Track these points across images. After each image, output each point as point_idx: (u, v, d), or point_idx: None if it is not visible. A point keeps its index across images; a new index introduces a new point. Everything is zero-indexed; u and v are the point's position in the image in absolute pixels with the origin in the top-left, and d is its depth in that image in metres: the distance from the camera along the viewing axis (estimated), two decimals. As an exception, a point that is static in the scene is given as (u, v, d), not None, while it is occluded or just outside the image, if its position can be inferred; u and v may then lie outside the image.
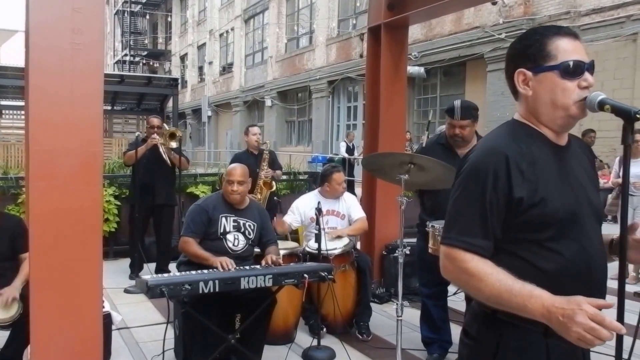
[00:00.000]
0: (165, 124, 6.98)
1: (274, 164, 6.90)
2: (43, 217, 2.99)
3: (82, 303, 3.09)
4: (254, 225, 4.30)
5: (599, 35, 12.74)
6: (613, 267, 1.59)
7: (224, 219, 4.21)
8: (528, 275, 1.61)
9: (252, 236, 4.28)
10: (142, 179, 6.62)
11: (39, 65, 2.98)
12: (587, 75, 1.66)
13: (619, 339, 1.52)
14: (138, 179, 6.66)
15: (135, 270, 6.65)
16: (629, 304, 1.62)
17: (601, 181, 11.87)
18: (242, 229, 4.25)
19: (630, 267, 7.11)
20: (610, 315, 1.57)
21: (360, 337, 4.81)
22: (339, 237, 4.94)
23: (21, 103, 20.35)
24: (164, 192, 6.64)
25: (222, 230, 4.18)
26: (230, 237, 4.19)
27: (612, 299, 1.57)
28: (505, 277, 1.56)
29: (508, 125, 1.78)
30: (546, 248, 1.62)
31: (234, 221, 4.24)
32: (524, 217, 1.61)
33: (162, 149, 6.52)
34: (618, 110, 1.57)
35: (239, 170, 4.27)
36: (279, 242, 5.21)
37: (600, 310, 1.44)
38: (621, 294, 1.55)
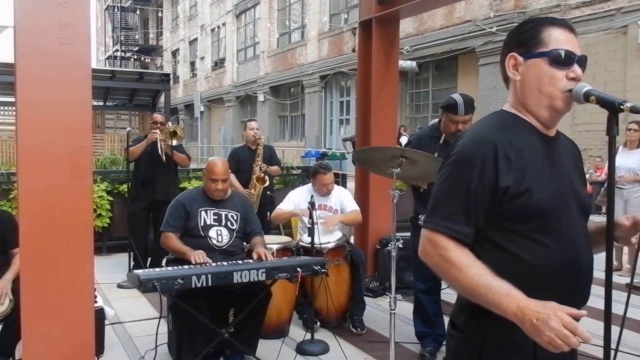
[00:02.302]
0: (169, 122, 7.02)
1: (271, 159, 6.89)
2: (33, 212, 2.99)
3: (73, 298, 3.10)
4: (236, 215, 4.27)
5: (590, 28, 12.78)
6: (602, 260, 1.59)
7: (203, 213, 4.18)
8: (514, 267, 1.61)
9: (235, 227, 4.24)
10: (143, 175, 6.65)
11: (27, 61, 2.98)
12: (576, 67, 1.66)
13: (607, 329, 1.53)
14: (139, 174, 6.68)
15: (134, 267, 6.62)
16: (617, 294, 1.63)
17: (595, 174, 11.95)
18: (224, 222, 4.21)
19: (624, 259, 7.15)
20: (598, 305, 1.58)
21: (354, 330, 4.82)
22: (333, 229, 4.94)
23: (11, 99, 20.26)
24: (164, 188, 6.62)
25: (202, 224, 4.15)
26: (212, 233, 4.15)
27: (600, 290, 1.58)
28: (484, 273, 1.57)
29: (497, 114, 1.79)
30: (532, 240, 1.62)
31: (215, 214, 4.21)
32: (509, 206, 1.61)
33: (160, 145, 6.52)
34: (603, 102, 1.57)
35: (220, 167, 4.21)
36: (273, 236, 5.24)
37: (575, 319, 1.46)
38: (608, 284, 1.56)
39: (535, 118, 1.72)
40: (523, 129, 1.71)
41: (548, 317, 1.44)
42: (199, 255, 3.87)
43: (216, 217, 4.21)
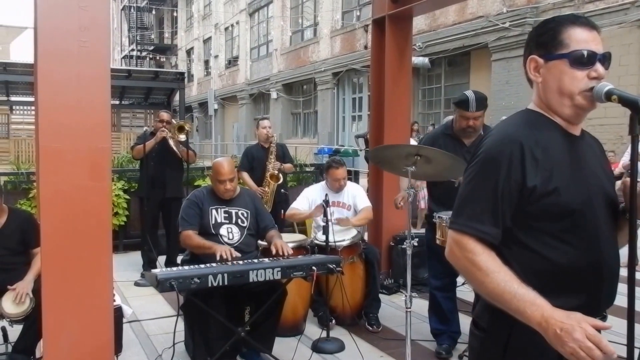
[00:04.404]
0: (173, 119, 7.02)
1: (284, 157, 6.92)
2: (53, 213, 3.02)
3: (93, 297, 3.13)
4: (247, 213, 4.28)
5: (604, 22, 12.62)
6: (623, 255, 1.59)
7: (214, 211, 4.20)
8: (542, 268, 1.61)
9: (246, 224, 4.25)
10: (153, 173, 6.64)
11: (47, 63, 3.01)
12: (597, 66, 1.64)
13: (630, 326, 1.52)
14: (148, 172, 6.67)
15: (146, 265, 6.66)
16: (637, 291, 1.62)
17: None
18: (234, 219, 4.23)
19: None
20: (621, 303, 1.58)
21: (370, 328, 4.83)
22: (347, 227, 4.95)
23: (31, 99, 20.64)
24: (174, 185, 6.67)
25: (213, 222, 4.17)
26: (223, 231, 4.16)
27: (622, 287, 1.57)
28: (510, 279, 1.56)
29: (523, 113, 1.78)
30: (559, 239, 1.62)
31: (225, 212, 4.23)
32: (538, 206, 1.60)
33: (171, 142, 6.57)
34: (625, 101, 1.55)
35: (227, 167, 4.21)
36: (288, 234, 5.24)
37: (598, 331, 1.45)
38: (631, 281, 1.55)
39: (560, 117, 1.71)
40: (549, 128, 1.70)
41: (572, 328, 1.44)
42: (225, 251, 3.84)
43: (227, 215, 4.22)
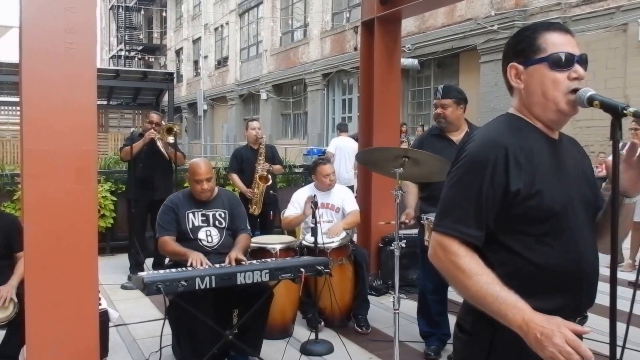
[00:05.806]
0: (162, 121, 6.98)
1: (274, 158, 6.91)
2: (38, 216, 2.99)
3: (78, 301, 3.09)
4: (224, 214, 4.24)
5: (590, 25, 12.83)
6: (605, 256, 1.60)
7: (190, 215, 4.16)
8: (525, 270, 1.62)
9: (224, 225, 4.21)
10: (141, 174, 6.58)
11: (32, 65, 2.98)
12: (577, 67, 1.67)
13: (613, 325, 1.54)
14: (137, 174, 6.61)
15: (133, 268, 6.61)
16: (622, 290, 1.63)
17: (596, 170, 11.95)
18: (212, 221, 4.20)
19: (626, 254, 7.13)
20: (604, 302, 1.59)
21: (360, 330, 4.82)
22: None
23: (17, 99, 20.48)
24: (163, 187, 6.60)
25: (191, 226, 4.13)
26: (201, 234, 4.13)
27: (604, 286, 1.59)
28: (493, 282, 1.57)
29: (505, 117, 1.80)
30: (541, 242, 1.63)
31: (202, 215, 4.19)
32: (520, 208, 1.62)
33: (159, 144, 6.52)
34: (607, 106, 1.58)
35: (203, 167, 4.18)
36: (276, 236, 5.22)
37: (578, 336, 1.48)
38: (613, 281, 1.56)
39: (541, 122, 1.73)
40: (531, 132, 1.72)
41: (552, 333, 1.46)
42: (196, 260, 3.79)
43: (204, 217, 4.19)
